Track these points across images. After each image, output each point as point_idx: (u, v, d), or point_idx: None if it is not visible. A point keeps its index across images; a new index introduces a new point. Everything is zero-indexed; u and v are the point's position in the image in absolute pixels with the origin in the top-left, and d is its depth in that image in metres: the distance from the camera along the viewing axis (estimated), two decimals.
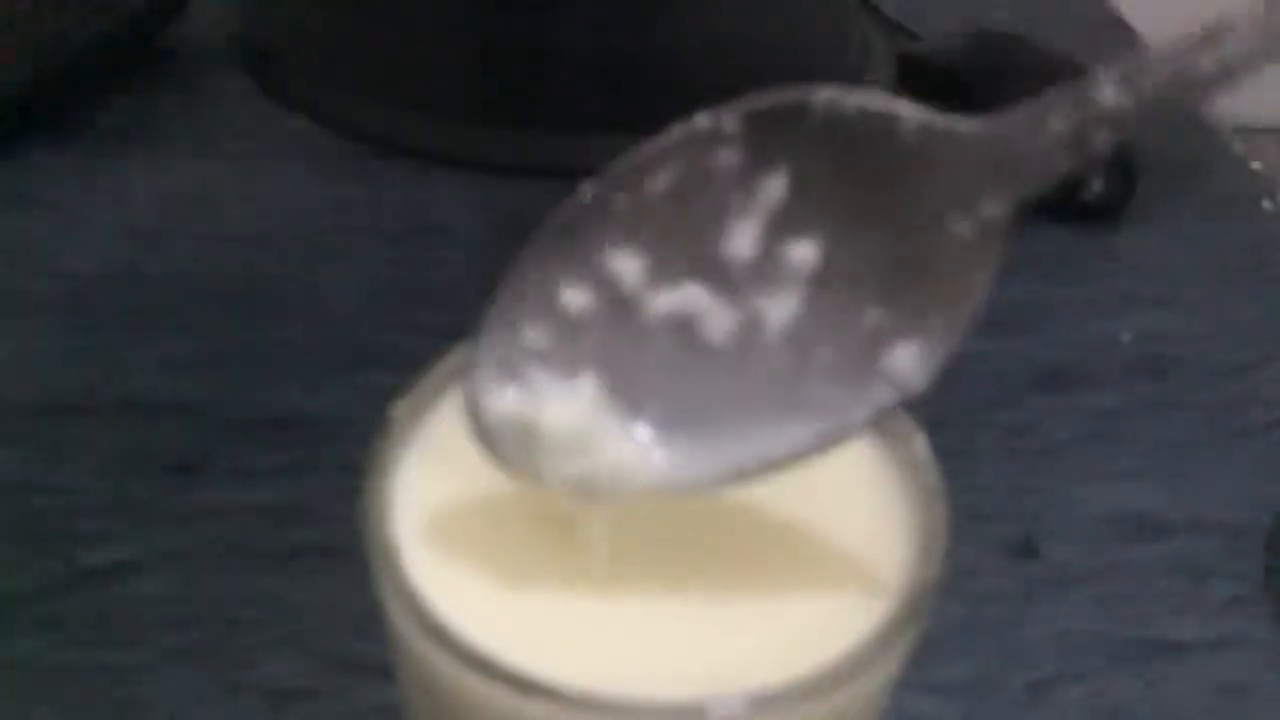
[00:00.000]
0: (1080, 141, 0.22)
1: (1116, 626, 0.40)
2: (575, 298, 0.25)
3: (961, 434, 0.45)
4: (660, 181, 0.25)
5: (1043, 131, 0.22)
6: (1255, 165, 0.59)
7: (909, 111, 0.23)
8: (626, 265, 0.25)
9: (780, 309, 0.24)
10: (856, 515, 0.26)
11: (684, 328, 0.25)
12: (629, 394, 0.25)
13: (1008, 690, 0.38)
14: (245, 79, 0.60)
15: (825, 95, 0.24)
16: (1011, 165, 0.23)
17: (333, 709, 0.36)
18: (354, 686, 0.36)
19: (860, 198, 0.24)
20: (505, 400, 0.25)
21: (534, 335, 0.25)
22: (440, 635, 0.22)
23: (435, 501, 0.25)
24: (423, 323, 0.47)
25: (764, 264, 0.24)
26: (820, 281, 0.24)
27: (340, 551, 0.39)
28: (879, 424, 0.26)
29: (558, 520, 0.25)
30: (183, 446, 0.43)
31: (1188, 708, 0.38)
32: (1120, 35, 0.68)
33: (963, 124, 0.23)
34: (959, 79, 0.59)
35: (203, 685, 0.36)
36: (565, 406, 0.25)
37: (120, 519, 0.40)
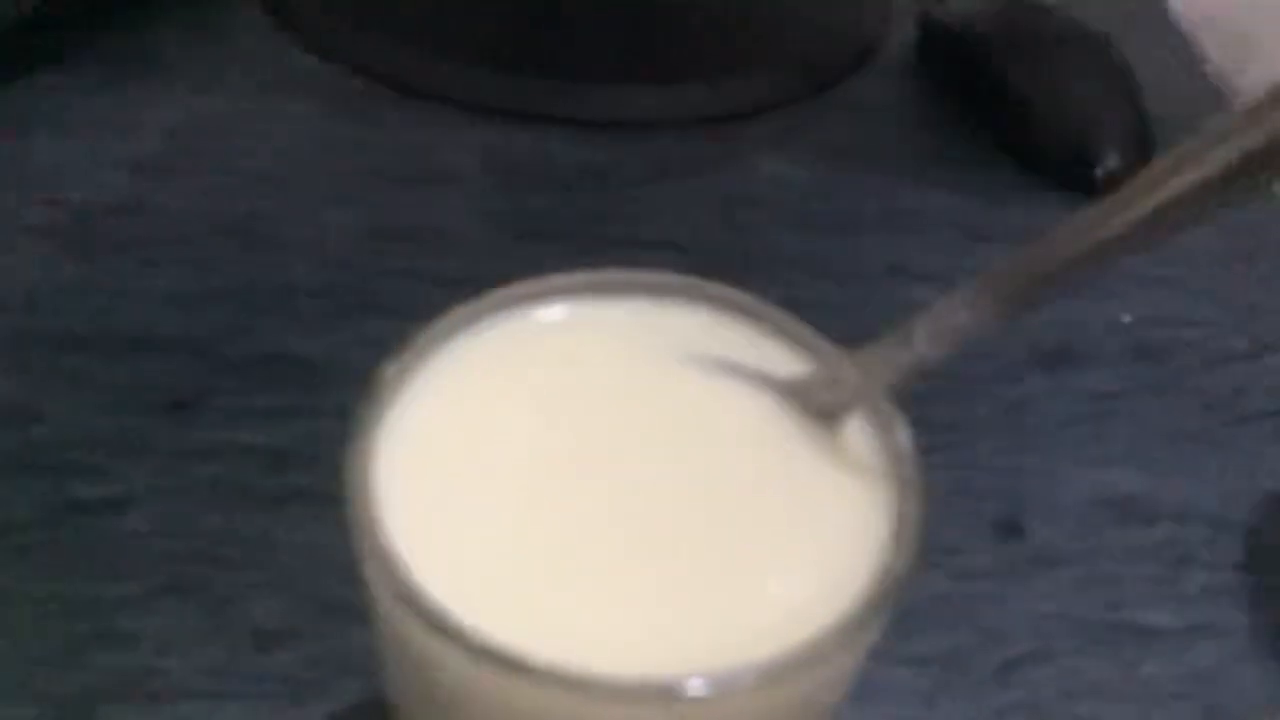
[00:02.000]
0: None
1: (1093, 609, 0.40)
2: None
3: (956, 409, 0.45)
4: None
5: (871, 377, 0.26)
6: None
7: None
8: None
9: None
10: (834, 501, 0.26)
11: None
12: None
13: (980, 667, 0.38)
14: (257, 12, 0.60)
15: None
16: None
17: (317, 650, 0.36)
18: (339, 629, 0.37)
19: None
20: None
21: None
22: (410, 600, 0.23)
23: (418, 467, 0.25)
24: (425, 269, 0.48)
25: None
26: None
27: (330, 497, 0.39)
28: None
29: (541, 492, 0.26)
30: (180, 383, 0.43)
31: (1158, 692, 0.39)
32: (1148, 5, 0.67)
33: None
34: (981, 46, 0.58)
35: (188, 622, 0.37)
36: None
37: (114, 453, 0.41)
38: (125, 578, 0.38)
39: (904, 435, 0.26)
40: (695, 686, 0.22)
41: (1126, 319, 0.50)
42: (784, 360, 0.28)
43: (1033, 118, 0.56)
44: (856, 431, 0.27)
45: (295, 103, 0.55)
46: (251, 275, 0.47)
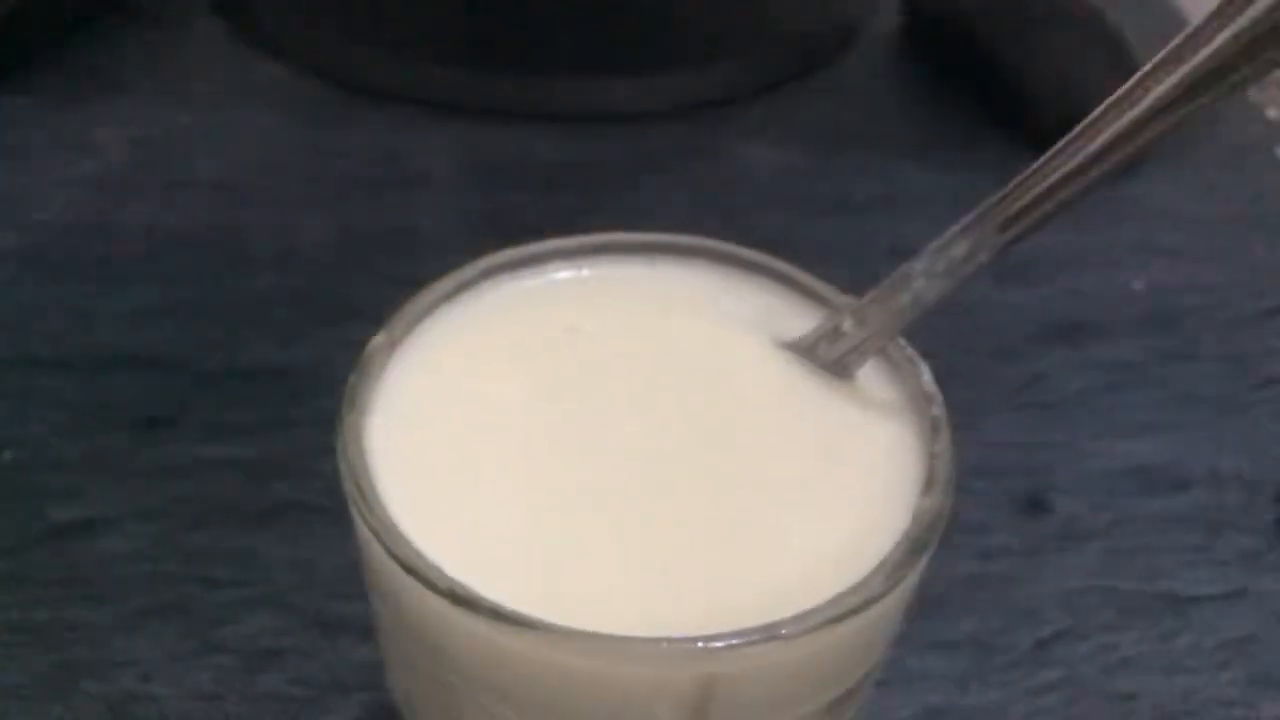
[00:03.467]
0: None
1: (1126, 581, 0.39)
2: None
3: (970, 386, 0.43)
4: None
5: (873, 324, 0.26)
6: (1270, 114, 0.58)
7: None
8: None
9: None
10: (861, 448, 0.25)
11: None
12: None
13: (1014, 647, 0.36)
14: (216, 21, 0.58)
15: None
16: None
17: (308, 667, 0.35)
18: (330, 645, 0.35)
19: None
20: None
21: None
22: (418, 571, 0.21)
23: (415, 439, 0.24)
24: (399, 273, 0.45)
25: None
26: None
27: (315, 508, 0.38)
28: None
29: (549, 456, 0.24)
30: (153, 401, 0.41)
31: (1196, 662, 0.37)
32: None
33: None
34: (968, 26, 0.57)
35: (176, 644, 0.35)
36: None
37: (90, 475, 0.39)
38: (107, 602, 0.36)
39: (926, 375, 0.26)
40: (728, 641, 0.20)
41: (1138, 287, 0.48)
42: (786, 312, 0.27)
43: (1027, 92, 0.54)
44: (874, 378, 0.26)
45: (260, 111, 0.54)
46: (222, 287, 0.46)
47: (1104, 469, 0.42)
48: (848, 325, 0.26)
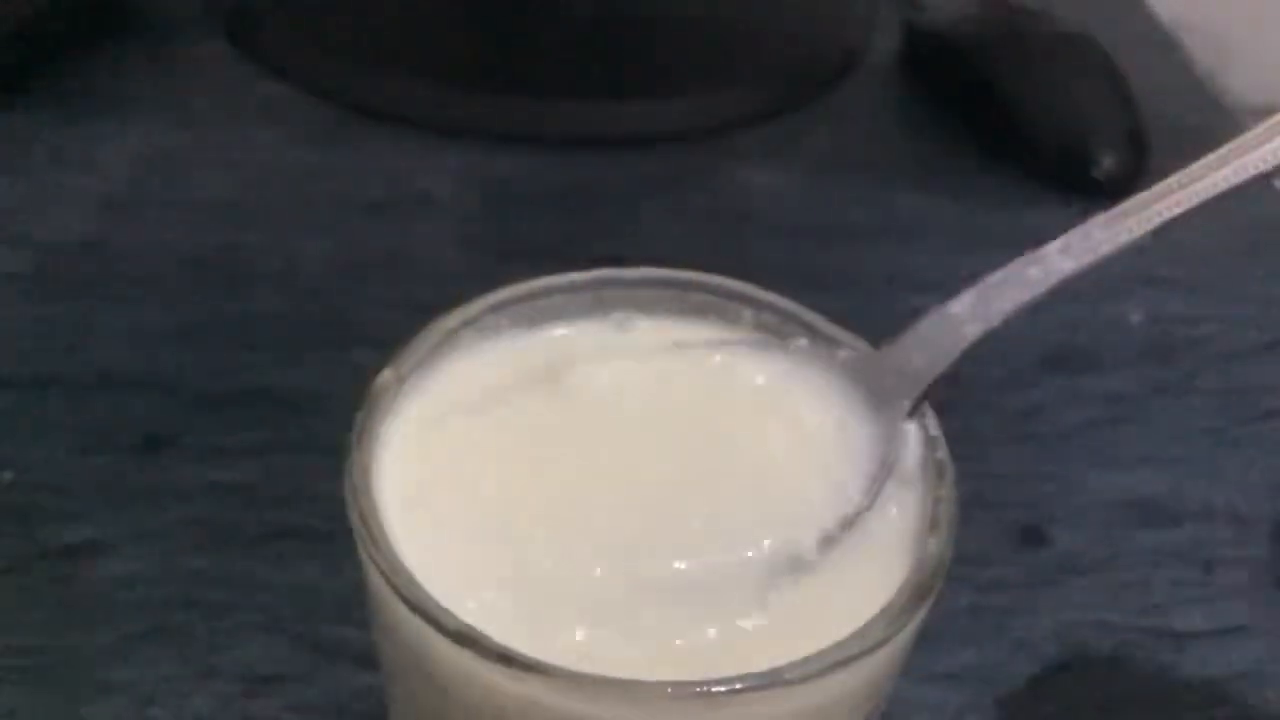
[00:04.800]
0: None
1: (1123, 615, 0.39)
2: None
3: (968, 418, 0.43)
4: None
5: (907, 362, 0.26)
6: None
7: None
8: None
9: None
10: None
11: None
12: None
13: (1013, 679, 0.37)
14: (220, 41, 0.58)
15: None
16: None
17: (307, 693, 0.35)
18: (329, 670, 0.35)
19: None
20: None
21: None
22: (427, 613, 0.21)
23: (420, 473, 0.24)
24: (402, 296, 0.46)
25: None
26: None
27: (315, 533, 0.38)
28: None
29: (553, 493, 0.24)
30: (152, 422, 0.41)
31: (1194, 697, 0.37)
32: (1129, 7, 0.67)
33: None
34: (966, 52, 0.57)
35: (173, 669, 0.35)
36: None
37: (88, 497, 0.39)
38: (104, 626, 0.36)
39: (930, 418, 0.26)
40: (731, 685, 0.20)
41: (1135, 319, 0.48)
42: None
43: (1024, 121, 0.54)
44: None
45: (261, 132, 0.54)
46: (222, 309, 0.46)
47: (1102, 501, 0.42)
48: (957, 307, 0.26)
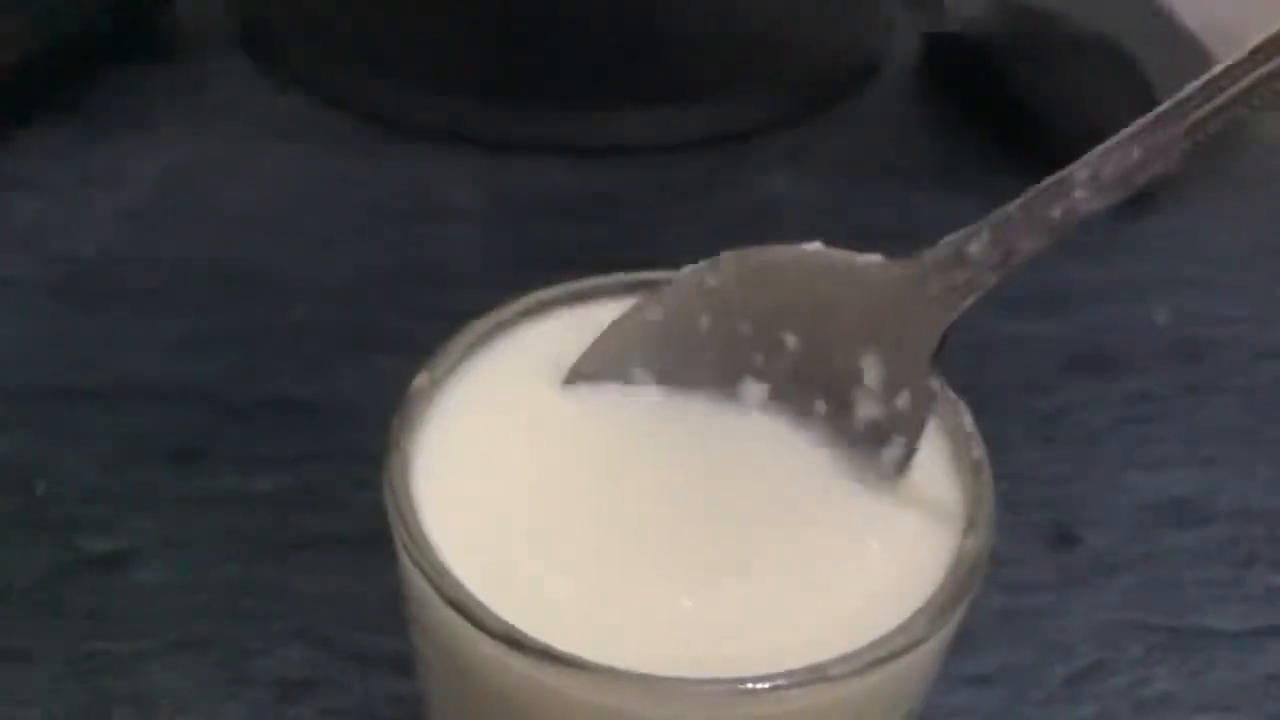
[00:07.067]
0: (954, 296, 0.24)
1: (1157, 615, 0.38)
2: None
3: (996, 420, 0.43)
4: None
5: (921, 290, 0.25)
6: None
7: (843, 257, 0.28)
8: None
9: None
10: (905, 487, 0.25)
11: None
12: None
13: (1046, 682, 0.36)
14: (242, 56, 0.59)
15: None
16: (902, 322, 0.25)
17: (341, 700, 0.35)
18: (363, 677, 0.35)
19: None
20: None
21: None
22: (471, 614, 0.21)
23: (459, 478, 0.24)
24: (428, 305, 0.46)
25: None
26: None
27: (347, 540, 0.38)
28: None
29: (586, 493, 0.24)
30: (184, 433, 0.41)
31: (1231, 698, 0.37)
32: (1152, 10, 0.66)
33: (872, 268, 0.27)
34: (987, 57, 0.57)
35: (207, 676, 0.35)
36: None
37: (121, 506, 0.39)
38: (139, 634, 0.36)
39: (966, 416, 0.26)
40: (767, 681, 0.21)
41: (1162, 320, 0.48)
42: None
43: (1048, 124, 0.54)
44: None
45: (285, 145, 0.54)
46: (250, 320, 0.46)
47: (1133, 502, 0.42)
48: (974, 247, 0.24)
